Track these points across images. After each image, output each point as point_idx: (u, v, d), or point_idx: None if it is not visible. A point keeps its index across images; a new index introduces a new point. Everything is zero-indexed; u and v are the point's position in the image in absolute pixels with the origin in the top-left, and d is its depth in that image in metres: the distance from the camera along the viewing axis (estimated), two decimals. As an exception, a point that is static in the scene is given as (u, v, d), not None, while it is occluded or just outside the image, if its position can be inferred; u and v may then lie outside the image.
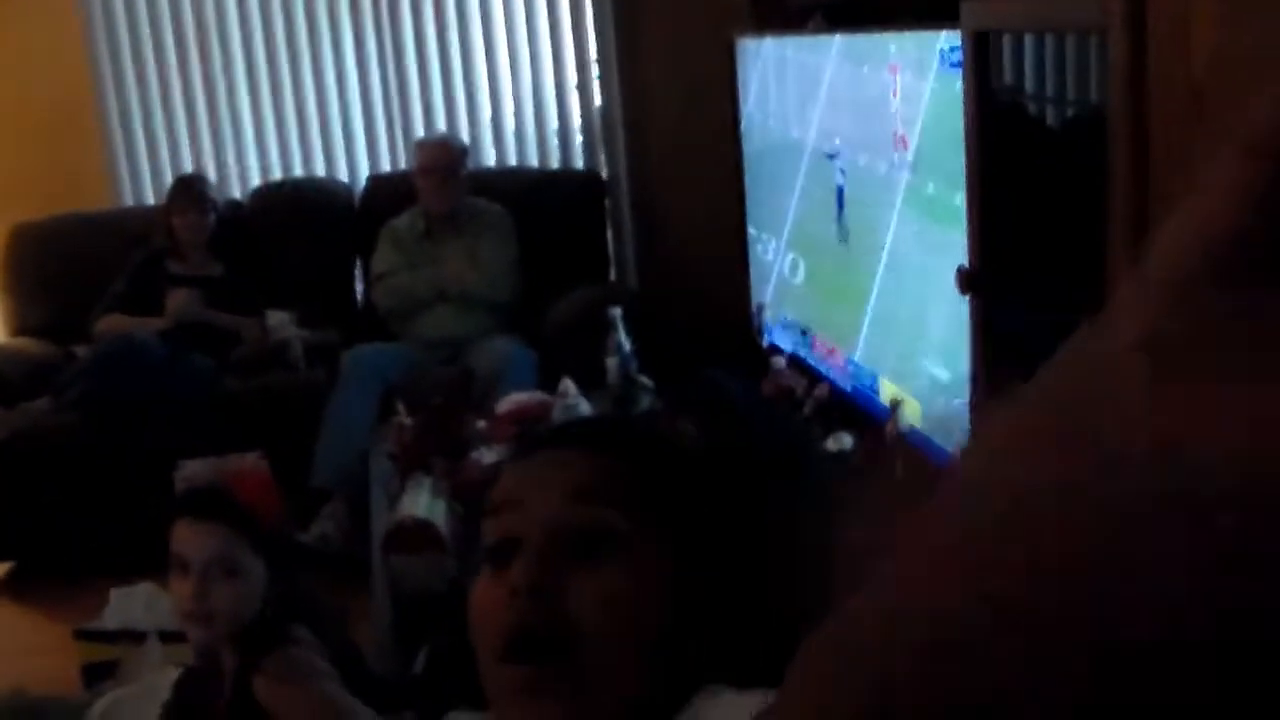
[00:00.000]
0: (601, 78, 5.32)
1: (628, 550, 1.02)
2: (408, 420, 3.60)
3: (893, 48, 3.06)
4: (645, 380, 3.82)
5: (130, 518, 4.15)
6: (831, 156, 3.50)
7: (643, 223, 5.42)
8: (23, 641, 3.90)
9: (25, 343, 5.03)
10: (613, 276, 5.36)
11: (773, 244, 4.12)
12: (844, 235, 3.47)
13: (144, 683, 2.83)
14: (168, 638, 3.20)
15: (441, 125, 5.39)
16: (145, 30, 5.37)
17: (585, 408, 3.54)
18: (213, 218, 4.93)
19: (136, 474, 4.26)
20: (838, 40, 3.46)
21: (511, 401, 3.77)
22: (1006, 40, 2.41)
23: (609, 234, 5.36)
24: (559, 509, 1.03)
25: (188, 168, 5.40)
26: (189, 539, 2.30)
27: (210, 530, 2.30)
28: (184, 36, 5.40)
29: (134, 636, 3.21)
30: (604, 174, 5.39)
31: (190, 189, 4.94)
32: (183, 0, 5.36)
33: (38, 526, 4.44)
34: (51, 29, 5.37)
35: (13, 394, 4.56)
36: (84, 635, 3.35)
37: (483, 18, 5.36)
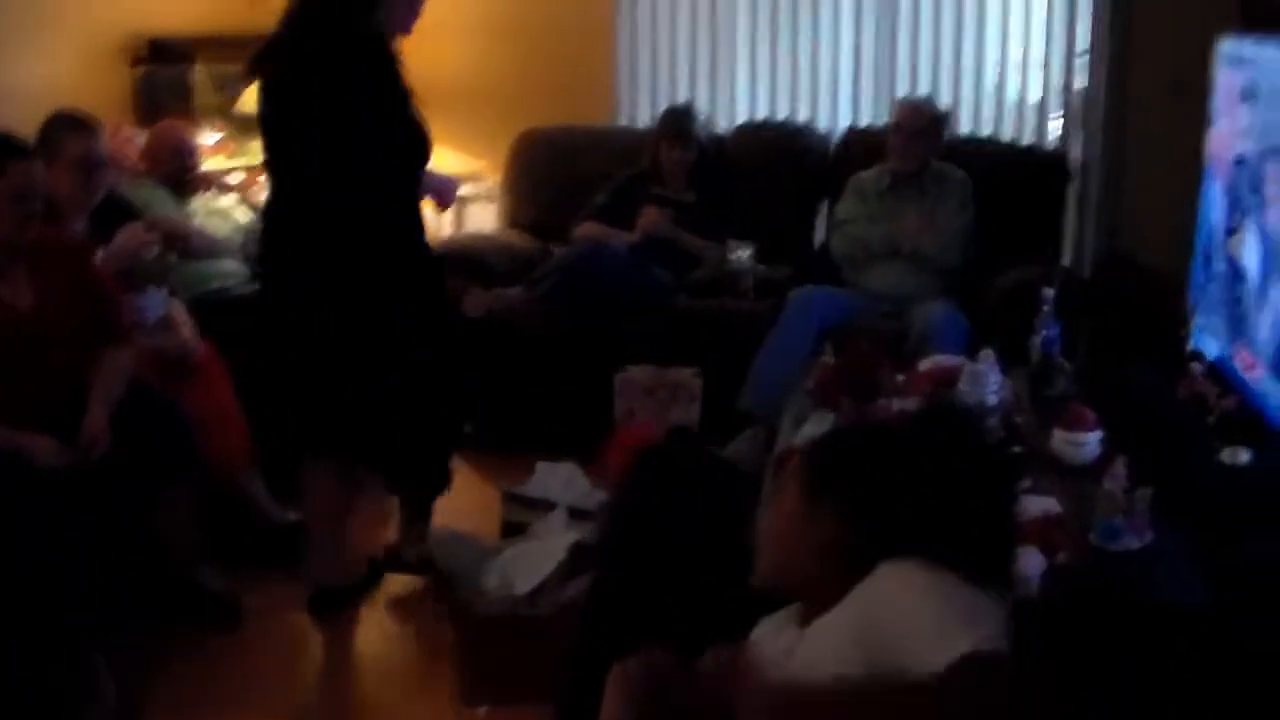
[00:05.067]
0: (1090, 62, 5.24)
1: None
2: (831, 360, 3.81)
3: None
4: (1065, 364, 3.85)
5: (569, 404, 4.59)
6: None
7: (1105, 213, 5.31)
8: (464, 497, 4.37)
9: (512, 235, 5.59)
10: (1066, 261, 5.30)
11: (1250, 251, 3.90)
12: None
13: (545, 543, 3.21)
14: (575, 514, 3.59)
15: (924, 88, 5.50)
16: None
17: (995, 380, 3.60)
18: (695, 152, 5.27)
19: (583, 367, 4.68)
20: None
21: (932, 362, 3.93)
22: None
23: (1066, 219, 5.31)
24: None
25: (683, 97, 5.78)
26: None
27: None
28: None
29: (548, 506, 3.61)
30: (1074, 158, 5.32)
31: (679, 123, 5.30)
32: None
33: (491, 398, 4.93)
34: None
35: (493, 279, 5.06)
36: (510, 497, 3.80)
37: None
